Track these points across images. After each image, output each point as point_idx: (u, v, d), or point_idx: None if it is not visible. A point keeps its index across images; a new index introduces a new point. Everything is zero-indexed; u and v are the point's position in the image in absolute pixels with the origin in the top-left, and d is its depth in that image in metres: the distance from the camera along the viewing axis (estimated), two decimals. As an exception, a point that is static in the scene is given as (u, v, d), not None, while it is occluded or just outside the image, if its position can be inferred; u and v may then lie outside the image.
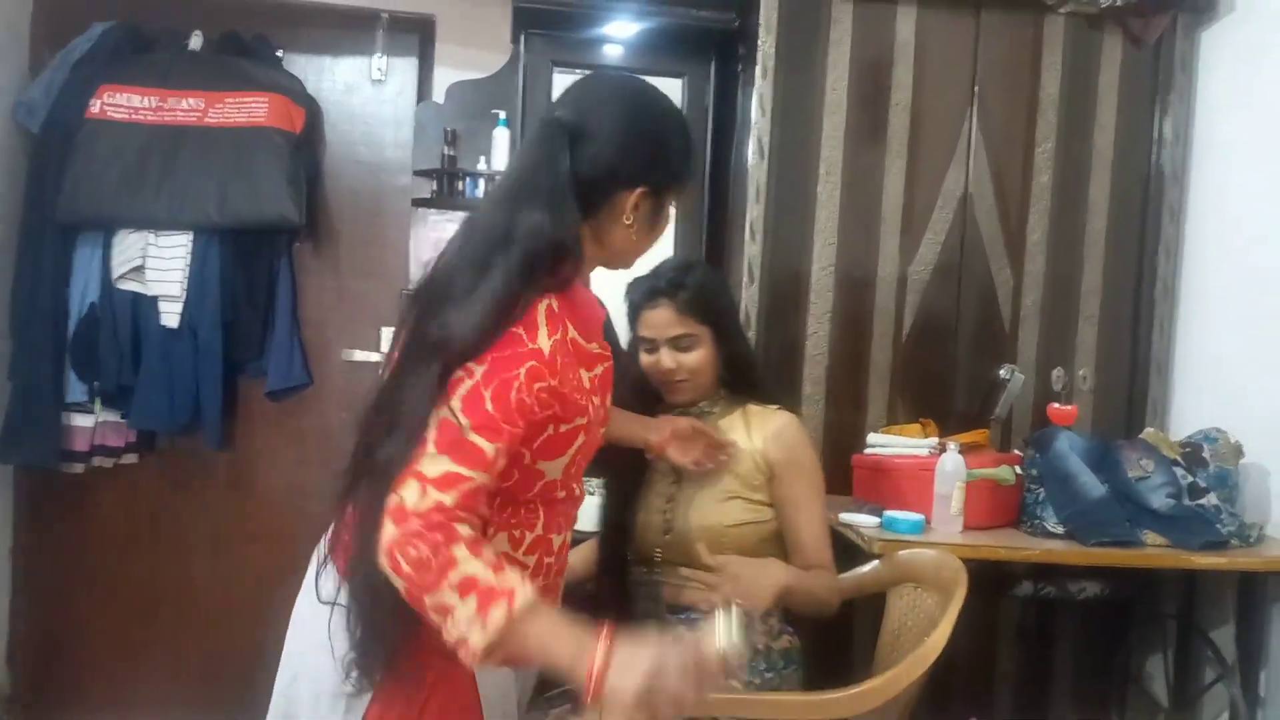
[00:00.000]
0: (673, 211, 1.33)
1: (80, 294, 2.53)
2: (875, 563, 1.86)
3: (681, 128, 1.30)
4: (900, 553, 1.82)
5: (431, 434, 1.06)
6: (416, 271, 2.66)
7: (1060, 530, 2.07)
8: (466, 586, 0.99)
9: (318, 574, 1.22)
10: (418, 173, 2.77)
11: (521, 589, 1.00)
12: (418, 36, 2.85)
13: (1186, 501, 2.07)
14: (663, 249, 2.82)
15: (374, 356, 2.79)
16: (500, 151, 2.72)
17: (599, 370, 1.24)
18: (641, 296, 1.71)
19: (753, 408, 1.73)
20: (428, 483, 1.04)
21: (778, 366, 2.40)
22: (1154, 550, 2.03)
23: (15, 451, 2.51)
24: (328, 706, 1.17)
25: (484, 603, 0.98)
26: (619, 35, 2.81)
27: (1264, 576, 2.06)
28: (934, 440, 2.18)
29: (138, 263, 2.50)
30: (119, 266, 2.50)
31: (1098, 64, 2.50)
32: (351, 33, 2.81)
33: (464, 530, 1.03)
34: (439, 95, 2.81)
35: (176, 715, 2.75)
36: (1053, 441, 2.14)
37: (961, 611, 1.48)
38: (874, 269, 2.46)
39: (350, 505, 1.16)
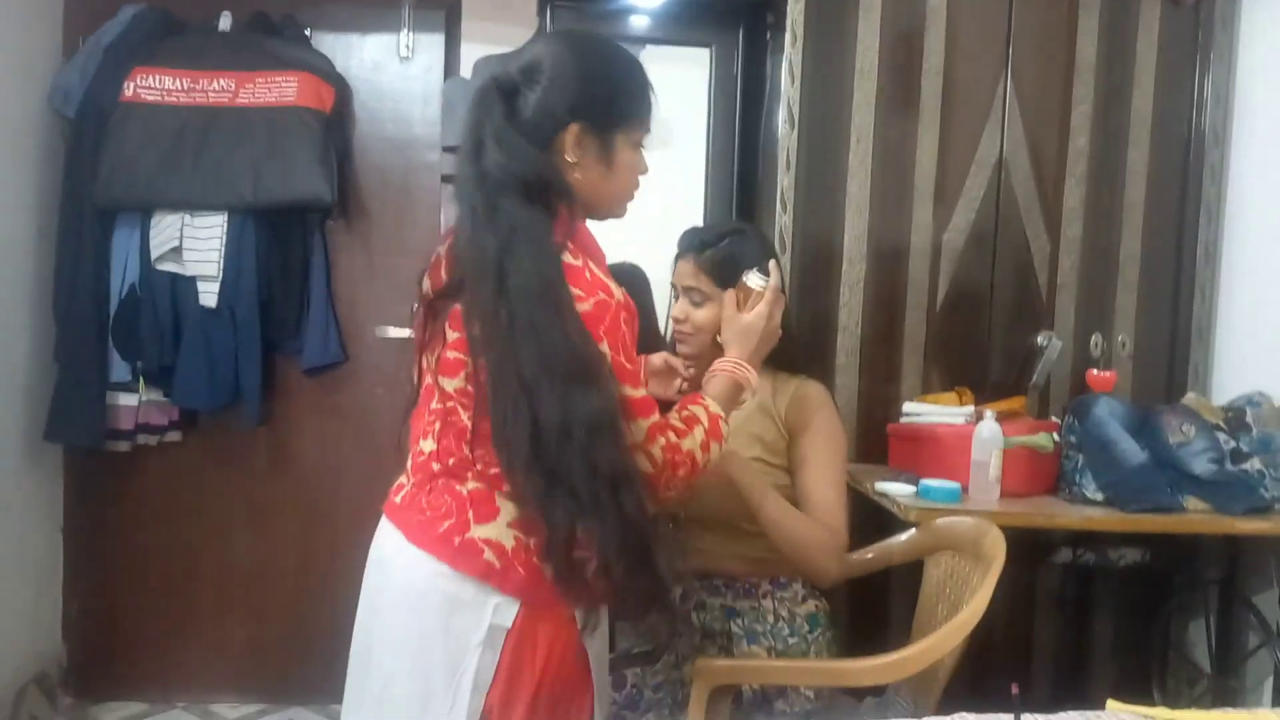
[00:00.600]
0: (645, 156, 1.34)
1: (120, 276, 2.56)
2: (912, 530, 1.85)
3: (622, 66, 1.32)
4: (938, 520, 1.81)
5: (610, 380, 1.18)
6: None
7: (1100, 498, 2.05)
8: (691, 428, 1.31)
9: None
10: (446, 149, 2.76)
11: (704, 415, 1.32)
12: (444, 12, 2.84)
13: (1229, 466, 2.05)
14: (693, 216, 2.84)
15: (406, 333, 2.76)
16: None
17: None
18: (680, 244, 1.75)
19: (782, 374, 1.74)
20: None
21: (811, 336, 2.39)
22: (1195, 516, 2.01)
23: (63, 431, 2.56)
24: (443, 682, 1.20)
25: (710, 426, 1.32)
26: (644, 6, 2.79)
27: (1308, 542, 2.04)
28: (970, 408, 2.17)
29: (175, 244, 2.52)
30: (157, 248, 2.53)
31: (1136, 25, 2.45)
32: (378, 10, 2.81)
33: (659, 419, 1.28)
34: (466, 71, 2.81)
35: (220, 685, 2.82)
36: (1091, 408, 2.11)
37: (999, 580, 1.48)
38: (907, 237, 2.44)
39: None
